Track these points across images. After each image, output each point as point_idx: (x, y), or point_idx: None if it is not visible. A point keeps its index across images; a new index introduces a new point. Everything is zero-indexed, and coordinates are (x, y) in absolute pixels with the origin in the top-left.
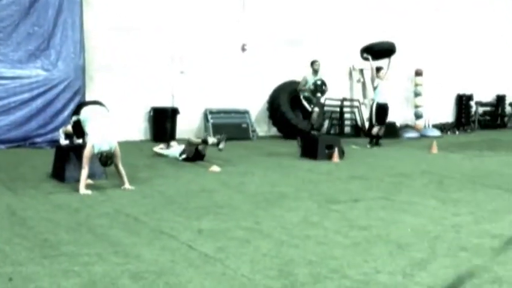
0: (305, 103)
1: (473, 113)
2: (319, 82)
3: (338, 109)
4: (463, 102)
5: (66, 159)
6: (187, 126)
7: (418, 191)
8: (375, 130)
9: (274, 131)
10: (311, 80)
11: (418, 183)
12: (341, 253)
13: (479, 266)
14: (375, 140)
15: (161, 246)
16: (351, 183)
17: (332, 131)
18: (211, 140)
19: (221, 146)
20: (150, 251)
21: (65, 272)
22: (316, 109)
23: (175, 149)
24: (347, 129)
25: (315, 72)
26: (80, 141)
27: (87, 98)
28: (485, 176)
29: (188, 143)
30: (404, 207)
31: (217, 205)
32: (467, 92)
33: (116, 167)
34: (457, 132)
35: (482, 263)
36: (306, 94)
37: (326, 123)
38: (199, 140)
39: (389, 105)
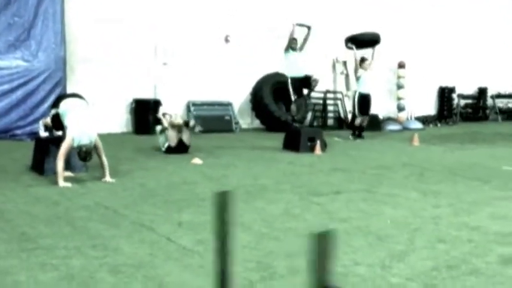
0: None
1: (455, 105)
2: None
3: (321, 101)
4: (445, 94)
5: (45, 152)
6: None
7: (399, 183)
8: (358, 121)
9: (257, 123)
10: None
11: (399, 175)
12: None
13: (457, 258)
14: (357, 132)
15: (140, 239)
16: (333, 175)
17: (315, 123)
18: (192, 122)
19: (197, 129)
20: (129, 244)
21: (42, 265)
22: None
23: None
24: (330, 122)
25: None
26: (60, 133)
27: (68, 90)
28: (466, 168)
29: (170, 125)
30: (385, 199)
31: (198, 198)
32: (450, 85)
33: (100, 158)
34: (439, 125)
35: (461, 255)
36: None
37: (309, 116)
38: (181, 121)
39: (372, 96)
